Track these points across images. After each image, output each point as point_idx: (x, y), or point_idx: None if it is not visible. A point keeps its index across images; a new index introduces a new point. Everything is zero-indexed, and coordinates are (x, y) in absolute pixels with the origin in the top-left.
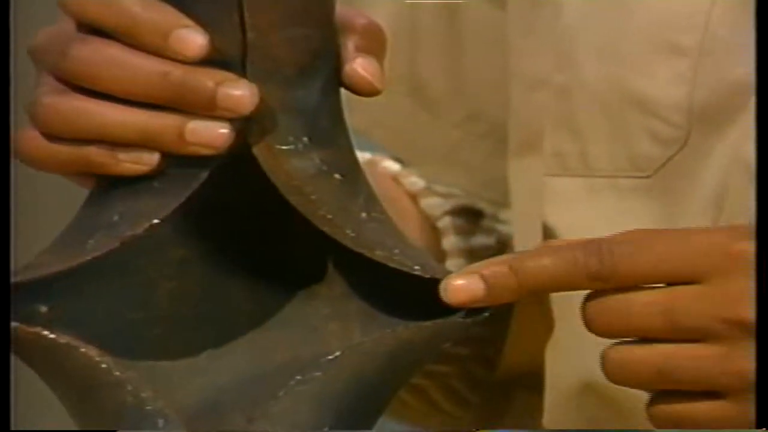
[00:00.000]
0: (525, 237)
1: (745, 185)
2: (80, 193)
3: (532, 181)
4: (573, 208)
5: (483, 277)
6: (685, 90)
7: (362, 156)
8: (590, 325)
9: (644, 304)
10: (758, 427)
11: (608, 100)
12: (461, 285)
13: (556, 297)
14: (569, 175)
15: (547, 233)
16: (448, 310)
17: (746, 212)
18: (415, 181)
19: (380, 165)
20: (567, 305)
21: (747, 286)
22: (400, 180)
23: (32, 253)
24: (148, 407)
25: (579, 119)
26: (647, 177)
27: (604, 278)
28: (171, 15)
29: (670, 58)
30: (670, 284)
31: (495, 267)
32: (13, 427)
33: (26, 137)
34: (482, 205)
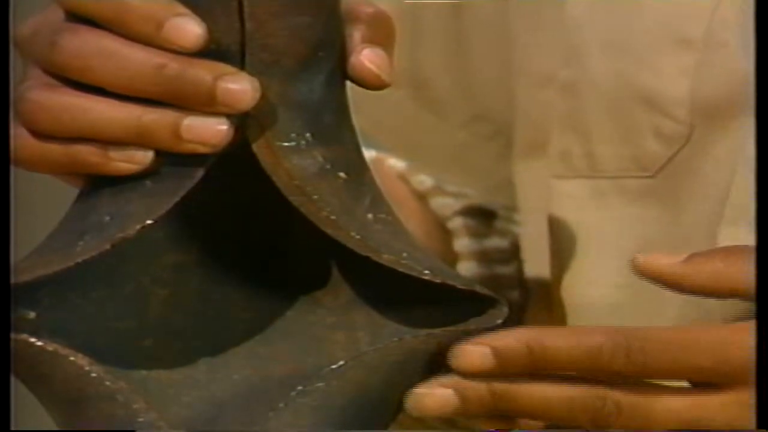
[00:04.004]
0: (533, 243)
1: (751, 183)
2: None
3: (540, 183)
4: (580, 211)
5: (495, 352)
6: (688, 84)
7: (367, 154)
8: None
9: (666, 411)
10: (758, 427)
11: (615, 98)
12: (471, 356)
13: (568, 304)
14: (575, 176)
15: (555, 239)
16: (460, 317)
17: (751, 213)
18: (423, 180)
19: (386, 163)
20: (580, 313)
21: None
22: (408, 178)
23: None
24: (140, 419)
25: (585, 118)
26: (651, 176)
27: (626, 375)
28: (165, 2)
29: (676, 51)
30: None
31: (511, 343)
32: (13, 427)
33: (11, 135)
34: (495, 206)
